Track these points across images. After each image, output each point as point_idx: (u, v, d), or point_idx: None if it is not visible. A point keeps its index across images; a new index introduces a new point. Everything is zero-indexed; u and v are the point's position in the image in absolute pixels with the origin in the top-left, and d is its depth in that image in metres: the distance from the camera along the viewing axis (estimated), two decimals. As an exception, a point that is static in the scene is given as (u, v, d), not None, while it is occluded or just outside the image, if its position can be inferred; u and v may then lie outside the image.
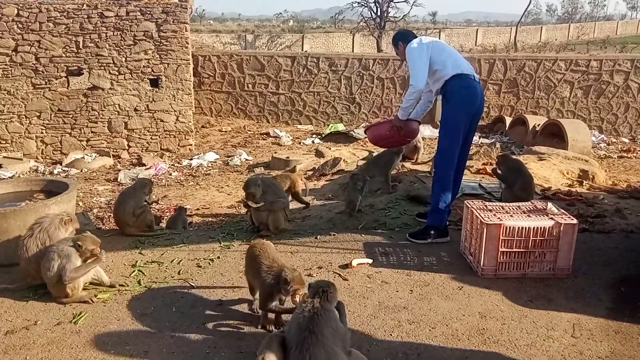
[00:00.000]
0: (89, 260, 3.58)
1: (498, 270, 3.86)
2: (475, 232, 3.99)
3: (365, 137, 10.99)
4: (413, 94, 4.43)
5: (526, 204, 4.21)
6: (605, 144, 11.75)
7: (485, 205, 4.15)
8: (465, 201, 4.26)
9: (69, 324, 3.28)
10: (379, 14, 35.03)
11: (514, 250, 3.82)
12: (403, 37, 4.64)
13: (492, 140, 9.32)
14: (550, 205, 4.04)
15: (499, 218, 3.85)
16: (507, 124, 11.92)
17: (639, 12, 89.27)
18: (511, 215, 3.93)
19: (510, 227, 3.78)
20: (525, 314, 3.39)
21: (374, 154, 9.20)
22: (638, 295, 3.61)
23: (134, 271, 4.01)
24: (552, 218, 3.86)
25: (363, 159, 9.02)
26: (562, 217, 3.87)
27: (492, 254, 3.84)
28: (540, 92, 13.01)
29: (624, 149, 11.29)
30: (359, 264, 4.06)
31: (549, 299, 3.58)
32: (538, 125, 10.68)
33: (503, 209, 4.10)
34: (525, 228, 3.78)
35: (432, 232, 4.50)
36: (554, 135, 10.28)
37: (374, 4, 34.82)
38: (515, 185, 5.19)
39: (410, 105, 4.59)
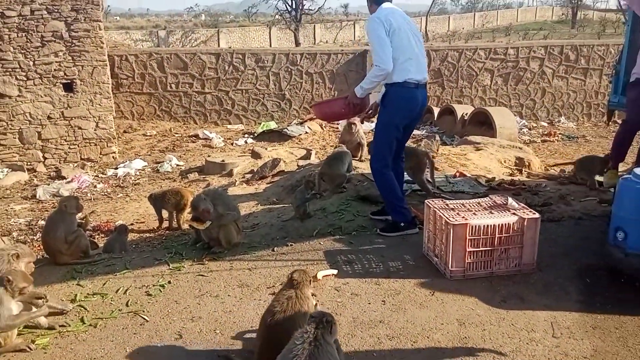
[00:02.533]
0: (33, 308, 3.10)
1: (466, 271, 3.77)
2: (440, 233, 3.88)
3: (300, 135, 10.78)
4: (379, 76, 4.22)
5: (486, 199, 4.16)
6: (527, 129, 12.27)
7: (447, 204, 4.04)
8: (426, 201, 4.14)
9: (4, 380, 2.82)
10: (293, 6, 34.84)
11: (481, 249, 3.75)
12: None
13: (431, 133, 9.39)
14: (510, 200, 4.00)
15: (463, 217, 3.75)
16: (436, 114, 12.14)
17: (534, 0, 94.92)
18: (474, 214, 3.85)
19: (476, 226, 3.70)
20: (503, 316, 3.31)
21: (312, 151, 9.01)
22: (603, 285, 3.65)
23: (74, 307, 3.54)
24: (514, 213, 3.82)
25: (301, 158, 8.79)
26: (524, 212, 3.84)
27: (459, 255, 3.74)
28: (464, 82, 13.36)
29: (545, 132, 11.84)
30: (324, 276, 3.83)
31: (521, 297, 3.53)
32: (466, 114, 10.94)
33: (464, 206, 4.02)
34: (491, 226, 3.71)
35: (402, 224, 4.51)
36: (482, 123, 10.57)
37: (288, -3, 34.58)
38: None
39: (373, 87, 4.36)
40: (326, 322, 2.30)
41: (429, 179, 5.62)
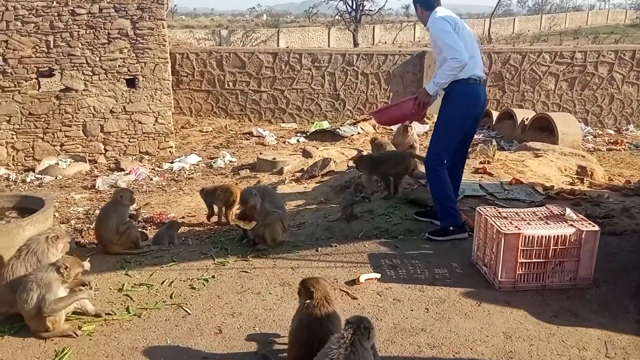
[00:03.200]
0: (77, 292, 3.21)
1: (517, 283, 3.61)
2: (490, 241, 3.73)
3: (352, 135, 10.72)
4: (456, 68, 4.09)
5: (542, 209, 3.96)
6: (592, 137, 11.68)
7: (499, 212, 3.88)
8: (478, 208, 3.99)
9: (50, 363, 2.92)
10: (354, 7, 34.76)
11: (534, 260, 3.57)
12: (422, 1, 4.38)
13: (488, 138, 9.10)
14: (568, 210, 3.80)
15: (516, 227, 3.59)
16: (494, 119, 11.76)
17: (607, 2, 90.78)
18: (528, 223, 3.68)
19: (529, 237, 3.53)
20: (553, 331, 3.14)
21: (363, 152, 8.91)
22: (666, 306, 3.40)
23: (120, 296, 3.64)
24: (572, 225, 3.62)
25: (351, 159, 8.71)
26: (582, 224, 3.63)
27: (510, 266, 3.59)
28: (526, 85, 12.89)
29: (611, 141, 11.23)
30: (367, 279, 3.77)
31: (574, 313, 3.34)
32: (526, 119, 10.53)
33: (518, 215, 3.85)
34: (546, 237, 3.53)
35: (451, 228, 4.40)
36: (543, 129, 10.14)
37: (349, -2, 34.54)
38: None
39: (447, 82, 4.22)
40: (364, 328, 2.25)
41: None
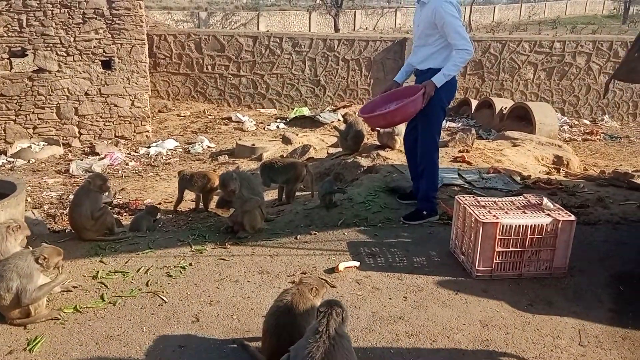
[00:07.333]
0: (54, 280, 3.17)
1: (494, 272, 3.64)
2: (468, 230, 3.75)
3: (332, 122, 10.68)
4: (467, 60, 4.24)
5: (520, 198, 4.00)
6: (568, 127, 11.85)
7: (478, 201, 3.90)
8: (457, 197, 4.00)
9: (22, 351, 2.85)
10: (335, -9, 34.41)
11: (511, 249, 3.61)
12: None
13: (467, 126, 9.16)
14: (545, 200, 3.84)
15: (494, 216, 3.61)
16: (473, 107, 11.83)
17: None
18: (506, 212, 3.71)
19: (507, 226, 3.55)
20: (528, 320, 3.18)
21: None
22: (637, 294, 3.48)
23: (95, 284, 3.57)
24: (549, 214, 3.65)
25: (332, 146, 8.69)
26: (559, 213, 3.67)
27: (487, 255, 3.61)
28: (505, 74, 12.98)
29: (587, 131, 11.41)
30: (346, 267, 3.76)
31: (549, 301, 3.39)
32: (505, 108, 10.62)
33: (496, 204, 3.87)
34: (523, 226, 3.56)
35: (424, 212, 4.58)
36: (521, 118, 10.26)
37: (330, -18, 34.13)
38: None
39: (455, 74, 4.29)
40: (336, 314, 2.22)
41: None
